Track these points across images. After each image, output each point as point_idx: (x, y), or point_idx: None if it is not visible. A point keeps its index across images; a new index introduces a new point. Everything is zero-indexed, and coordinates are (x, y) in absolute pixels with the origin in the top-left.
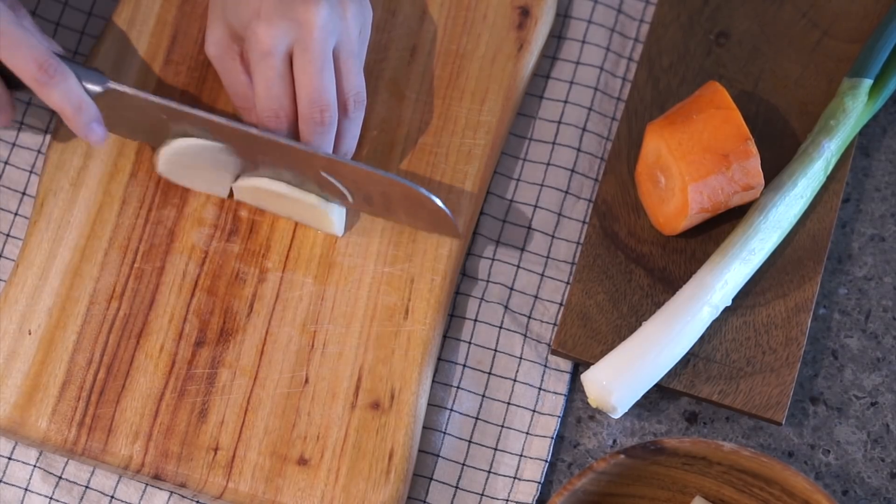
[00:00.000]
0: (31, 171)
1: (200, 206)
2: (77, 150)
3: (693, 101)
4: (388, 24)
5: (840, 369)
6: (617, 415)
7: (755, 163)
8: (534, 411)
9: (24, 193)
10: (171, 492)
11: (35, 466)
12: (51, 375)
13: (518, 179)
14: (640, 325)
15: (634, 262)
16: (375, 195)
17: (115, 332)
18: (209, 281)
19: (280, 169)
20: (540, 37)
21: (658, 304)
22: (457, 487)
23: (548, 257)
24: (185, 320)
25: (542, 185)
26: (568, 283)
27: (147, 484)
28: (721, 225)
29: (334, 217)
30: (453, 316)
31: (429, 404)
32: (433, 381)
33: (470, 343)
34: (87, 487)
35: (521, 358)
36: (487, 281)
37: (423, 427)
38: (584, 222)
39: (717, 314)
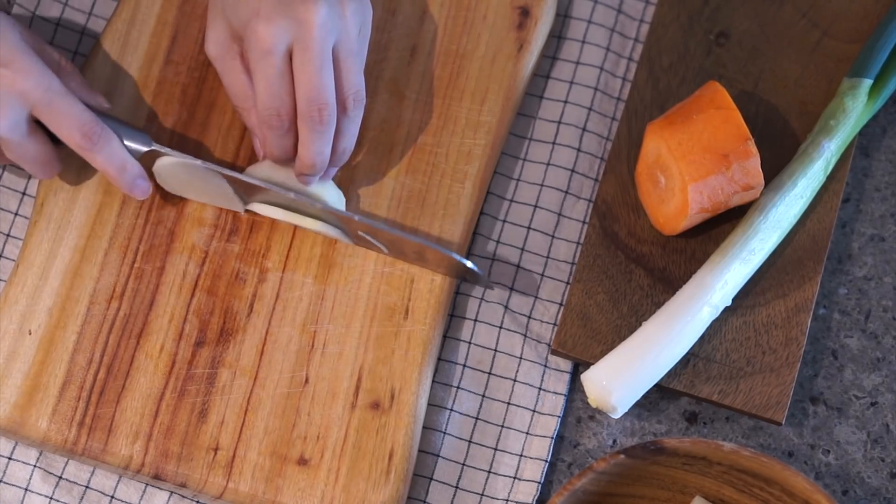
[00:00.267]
0: None
1: (200, 206)
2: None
3: (693, 101)
4: (388, 24)
5: (840, 369)
6: (617, 415)
7: (755, 163)
8: (534, 411)
9: (24, 193)
10: (171, 492)
11: (35, 466)
12: (51, 375)
13: (518, 179)
14: (640, 325)
15: (634, 262)
16: (409, 252)
17: (116, 332)
18: (209, 281)
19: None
20: (540, 37)
21: (658, 304)
22: (457, 487)
23: (548, 257)
24: (185, 320)
25: (542, 185)
26: (568, 283)
27: (147, 484)
28: (721, 225)
29: (342, 238)
30: (453, 316)
31: (429, 404)
32: (433, 381)
33: (470, 343)
34: (87, 487)
35: (521, 358)
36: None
37: (423, 427)
38: (584, 222)
39: (717, 314)
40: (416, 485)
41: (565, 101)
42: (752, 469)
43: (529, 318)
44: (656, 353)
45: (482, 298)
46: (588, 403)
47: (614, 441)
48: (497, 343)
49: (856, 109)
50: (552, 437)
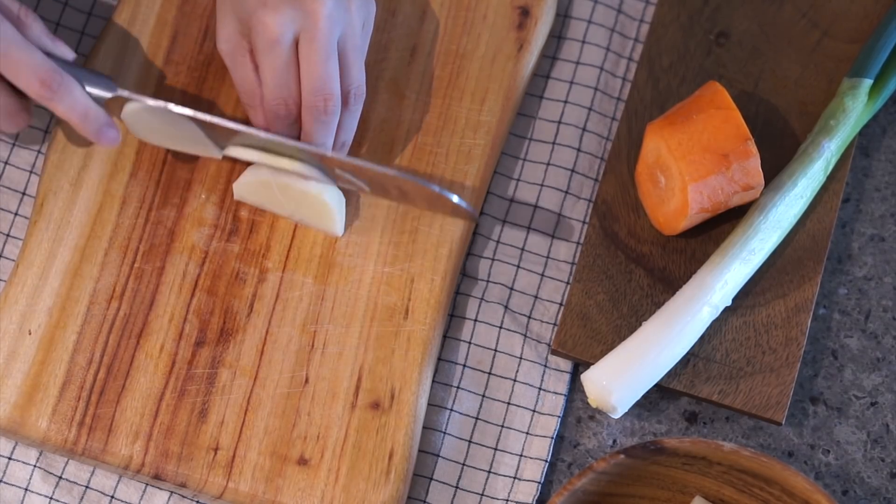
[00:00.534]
0: (31, 171)
1: (200, 206)
2: (77, 150)
3: (693, 101)
4: (388, 24)
5: (840, 369)
6: (617, 415)
7: (755, 163)
8: (534, 411)
9: (24, 193)
10: (171, 492)
11: (35, 466)
12: (51, 375)
13: (518, 179)
14: (640, 325)
15: (634, 262)
16: (392, 188)
17: (116, 332)
18: (209, 281)
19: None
20: (540, 37)
21: (658, 304)
22: (457, 487)
23: (548, 257)
24: (185, 320)
25: (542, 185)
26: (568, 283)
27: (147, 484)
28: (721, 225)
29: (334, 207)
30: (453, 316)
31: (429, 404)
32: (433, 381)
33: (470, 343)
34: (87, 487)
35: (521, 358)
36: (487, 281)
37: (423, 427)
38: (584, 222)
39: (717, 314)
40: (416, 485)
41: (565, 101)
42: (752, 469)
43: (529, 318)
44: (656, 353)
45: (482, 298)
46: (588, 403)
47: (614, 441)
48: (497, 343)
49: (856, 109)
50: (552, 437)
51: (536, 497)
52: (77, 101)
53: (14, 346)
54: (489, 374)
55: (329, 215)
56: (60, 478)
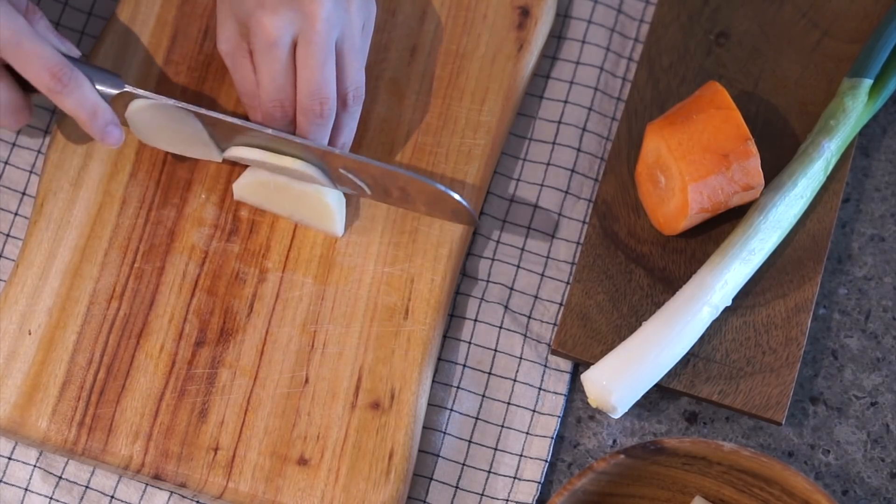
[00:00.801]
0: (31, 171)
1: (200, 206)
2: (77, 150)
3: (693, 101)
4: (388, 24)
5: (840, 369)
6: (617, 415)
7: (755, 163)
8: (534, 411)
9: (24, 193)
10: (171, 492)
11: (35, 466)
12: (51, 375)
13: (518, 179)
14: (640, 325)
15: (634, 262)
16: (393, 189)
17: (115, 332)
18: (209, 281)
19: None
20: (540, 37)
21: (658, 304)
22: (457, 487)
23: (548, 257)
24: (185, 320)
25: (542, 185)
26: (568, 283)
27: (147, 484)
28: (721, 225)
29: (335, 208)
30: (453, 316)
31: (429, 404)
32: (433, 381)
33: (470, 343)
34: (87, 487)
35: (521, 358)
36: (487, 281)
37: (423, 427)
38: (584, 222)
39: (717, 314)
40: (416, 485)
41: (565, 101)
42: (752, 469)
43: (529, 318)
44: (656, 353)
45: (482, 298)
46: (588, 403)
47: (614, 441)
48: (497, 343)
49: (856, 109)
50: (552, 437)
51: (536, 497)
52: (86, 96)
53: (14, 346)
54: (489, 374)
55: (329, 215)
56: (60, 478)
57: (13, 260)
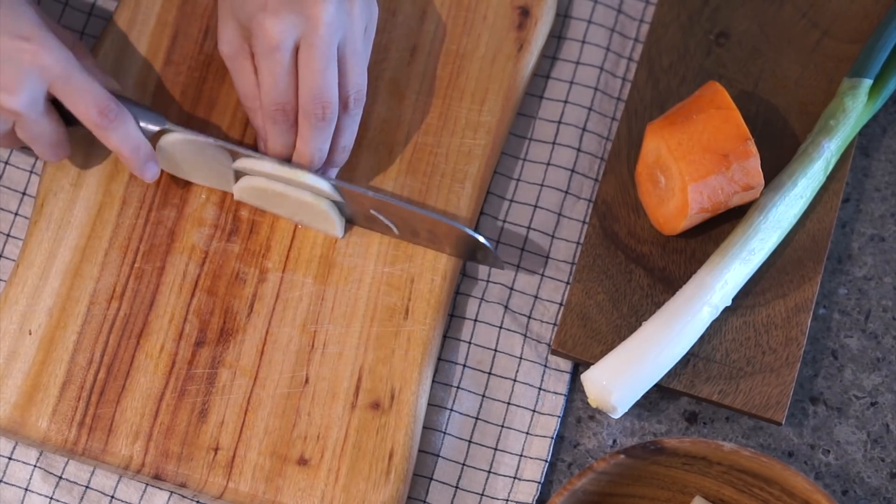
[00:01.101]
0: (31, 171)
1: (200, 206)
2: (77, 150)
3: (693, 101)
4: (388, 25)
5: (840, 369)
6: (617, 415)
7: (755, 163)
8: (534, 411)
9: (24, 193)
10: (172, 492)
11: (35, 466)
12: (51, 375)
13: (518, 179)
14: (640, 325)
15: (634, 262)
16: (422, 230)
17: (116, 332)
18: (209, 281)
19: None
20: (540, 37)
21: (658, 304)
22: (457, 487)
23: (548, 257)
24: (185, 320)
25: (542, 185)
26: (568, 283)
27: (147, 484)
28: (721, 225)
29: (333, 216)
30: (453, 316)
31: (429, 404)
32: (433, 381)
33: (470, 343)
34: (87, 487)
35: (521, 358)
36: (487, 281)
37: (423, 427)
38: (584, 222)
39: (717, 314)
40: (416, 485)
41: (565, 101)
42: (752, 469)
43: (529, 318)
44: (656, 353)
45: (482, 298)
46: (588, 403)
47: (614, 441)
48: (497, 343)
49: (856, 109)
50: (552, 437)
51: (536, 497)
52: (130, 133)
53: (14, 346)
54: (489, 374)
55: (327, 220)
56: (60, 478)
57: (13, 260)
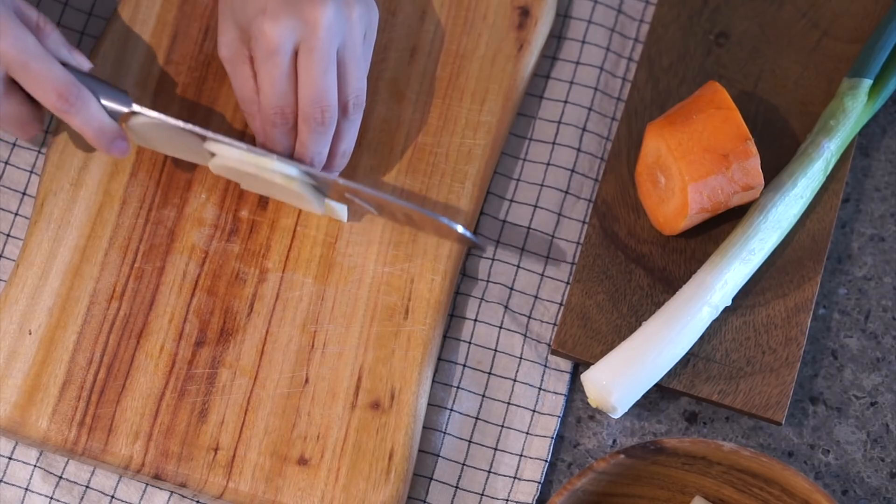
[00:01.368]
0: (31, 171)
1: (200, 206)
2: (77, 150)
3: (693, 101)
4: (388, 25)
5: (840, 369)
6: (617, 415)
7: (755, 163)
8: (534, 411)
9: (24, 193)
10: (172, 492)
11: (35, 466)
12: (51, 375)
13: (518, 179)
14: (640, 325)
15: (634, 262)
16: (399, 213)
17: (116, 332)
18: (209, 281)
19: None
20: (540, 37)
21: (658, 304)
22: (457, 487)
23: (548, 257)
24: (185, 320)
25: (542, 185)
26: (568, 283)
27: (147, 484)
28: (721, 225)
29: (309, 195)
30: (453, 316)
31: (429, 404)
32: (433, 381)
33: (470, 343)
34: (87, 487)
35: (521, 358)
36: (487, 281)
37: (423, 427)
38: (584, 222)
39: (717, 314)
40: (416, 485)
41: (565, 101)
42: (752, 469)
43: (529, 318)
44: (656, 353)
45: (482, 298)
46: (588, 403)
47: (614, 441)
48: (497, 343)
49: (856, 109)
50: (552, 437)
51: (536, 497)
52: (92, 115)
53: (14, 346)
54: (489, 374)
55: (303, 200)
56: (60, 478)
57: (13, 260)
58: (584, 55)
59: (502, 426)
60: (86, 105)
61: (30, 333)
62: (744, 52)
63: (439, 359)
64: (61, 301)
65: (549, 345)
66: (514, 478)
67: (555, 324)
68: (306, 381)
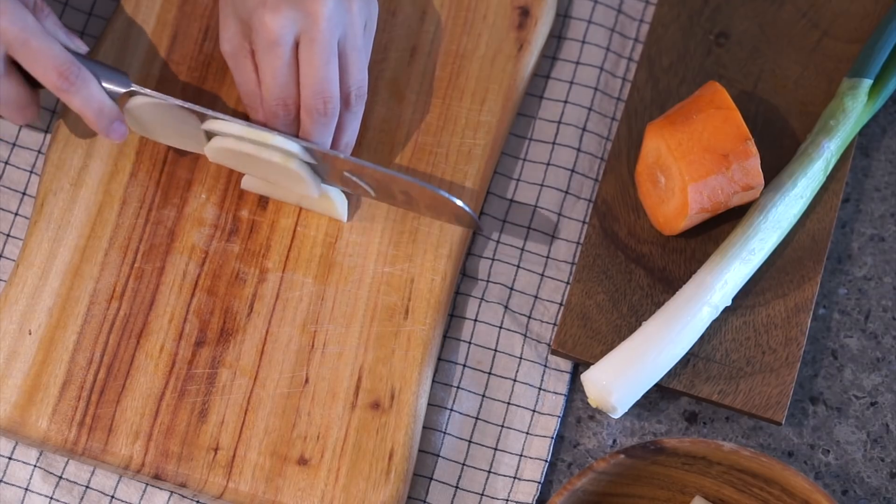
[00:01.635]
0: (31, 171)
1: (200, 206)
2: (77, 150)
3: (693, 101)
4: (388, 24)
5: (840, 369)
6: (617, 415)
7: (755, 163)
8: (534, 411)
9: (24, 193)
10: (172, 492)
11: (35, 466)
12: (51, 375)
13: (518, 179)
14: (640, 325)
15: (634, 262)
16: (397, 193)
17: (116, 332)
18: (209, 281)
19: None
20: (540, 37)
21: (658, 304)
22: (457, 487)
23: (548, 257)
24: (185, 320)
25: (542, 185)
26: (568, 283)
27: (147, 484)
28: (721, 225)
29: (305, 175)
30: (453, 316)
31: (429, 404)
32: (433, 381)
33: (470, 343)
34: (87, 487)
35: (521, 358)
36: (487, 281)
37: (423, 427)
38: (584, 222)
39: (717, 314)
40: (416, 485)
41: (565, 101)
42: (752, 469)
43: (529, 318)
44: (656, 353)
45: (482, 298)
46: (588, 403)
47: (614, 441)
48: (497, 343)
49: (856, 109)
50: (552, 437)
51: (536, 497)
52: (93, 95)
53: (14, 346)
54: (489, 374)
55: (300, 181)
56: (60, 478)
57: (13, 260)
58: (584, 55)
59: (502, 426)
60: (86, 84)
61: (30, 333)
62: (744, 52)
63: (439, 359)
64: (61, 301)
65: (549, 345)
66: (514, 478)
67: (555, 324)
68: (306, 381)
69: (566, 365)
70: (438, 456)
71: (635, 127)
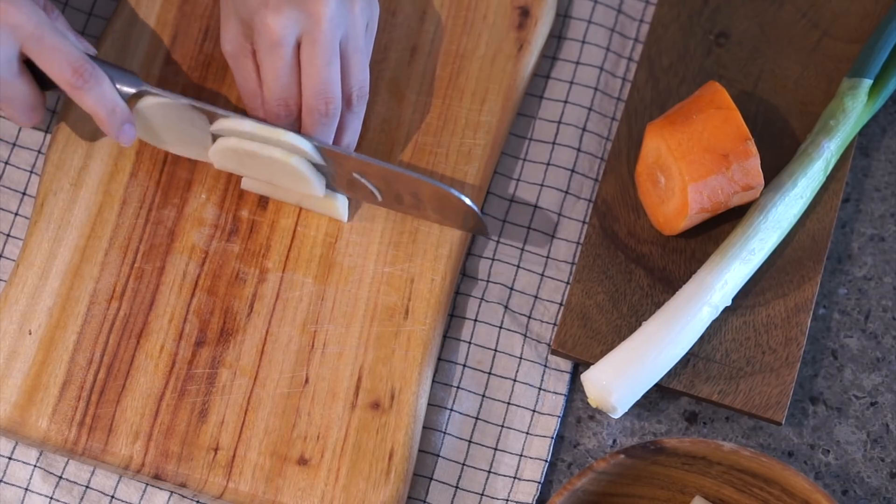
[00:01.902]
0: (31, 171)
1: (200, 206)
2: (77, 150)
3: (693, 101)
4: (388, 24)
5: (840, 369)
6: (617, 415)
7: (755, 163)
8: (534, 411)
9: (24, 193)
10: (172, 492)
11: (35, 466)
12: (51, 375)
13: (518, 179)
14: (640, 325)
15: (634, 262)
16: (405, 195)
17: (116, 332)
18: (209, 281)
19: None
20: (540, 37)
21: (658, 304)
22: (457, 487)
23: (548, 257)
24: (185, 320)
25: (542, 185)
26: (568, 283)
27: (147, 484)
28: (721, 225)
29: (307, 173)
30: (453, 316)
31: (429, 404)
32: (433, 381)
33: (470, 343)
34: (87, 487)
35: (521, 358)
36: (487, 281)
37: (423, 427)
38: (584, 222)
39: (717, 314)
40: (416, 485)
41: (565, 101)
42: (752, 469)
43: (529, 318)
44: (656, 353)
45: (482, 298)
46: (588, 403)
47: (614, 441)
48: (497, 343)
49: (856, 109)
50: (552, 437)
51: (536, 497)
52: (106, 94)
53: (14, 346)
54: (489, 374)
55: (302, 179)
56: (60, 478)
57: (13, 260)
58: (584, 55)
59: (502, 426)
60: (99, 82)
61: (30, 333)
62: (744, 52)
63: (439, 359)
64: (61, 301)
65: (549, 345)
66: (514, 478)
67: (555, 324)
68: (306, 381)
69: (566, 365)
70: (438, 456)
71: (635, 127)
